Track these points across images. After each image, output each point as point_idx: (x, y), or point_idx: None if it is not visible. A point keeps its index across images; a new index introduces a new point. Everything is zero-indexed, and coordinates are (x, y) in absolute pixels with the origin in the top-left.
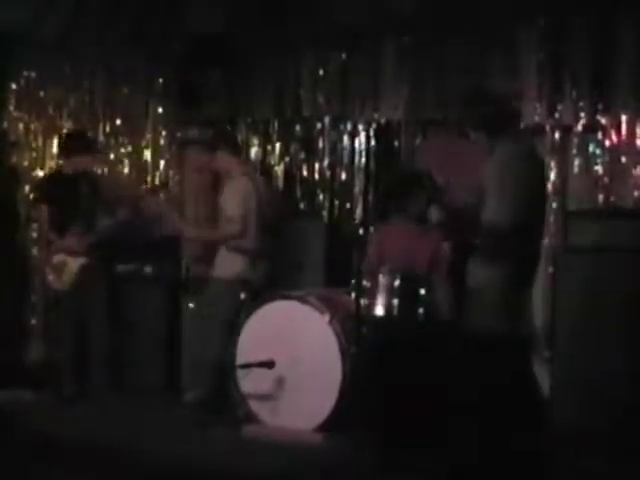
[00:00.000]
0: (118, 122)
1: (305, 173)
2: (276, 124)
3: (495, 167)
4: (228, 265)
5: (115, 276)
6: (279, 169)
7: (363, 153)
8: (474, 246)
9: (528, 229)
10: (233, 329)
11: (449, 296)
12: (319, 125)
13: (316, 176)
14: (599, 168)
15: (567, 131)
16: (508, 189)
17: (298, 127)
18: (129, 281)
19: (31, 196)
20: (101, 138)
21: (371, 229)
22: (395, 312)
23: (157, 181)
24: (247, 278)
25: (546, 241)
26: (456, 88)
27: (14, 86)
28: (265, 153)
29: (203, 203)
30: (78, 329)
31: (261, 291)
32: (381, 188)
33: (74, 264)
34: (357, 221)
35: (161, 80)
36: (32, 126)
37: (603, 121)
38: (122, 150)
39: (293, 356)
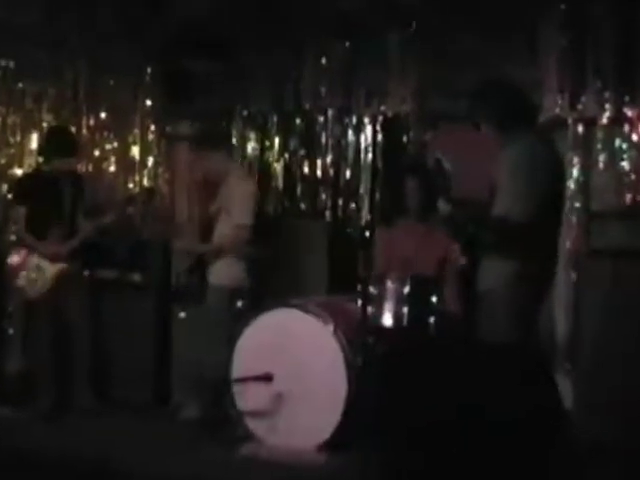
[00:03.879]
0: (103, 116)
1: (306, 170)
2: (275, 117)
3: (508, 162)
4: (227, 272)
5: (98, 283)
6: (278, 166)
7: (369, 149)
8: (486, 244)
9: (542, 228)
10: (229, 340)
11: (461, 302)
12: (321, 118)
13: (318, 174)
14: (625, 164)
15: (591, 124)
16: (521, 185)
17: (298, 120)
18: (114, 288)
19: (9, 196)
20: (84, 133)
21: (378, 231)
22: (405, 321)
23: (145, 179)
24: (244, 285)
25: (568, 244)
26: (469, 79)
27: None
28: (263, 149)
29: (195, 203)
30: (56, 340)
31: (258, 299)
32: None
33: (51, 270)
34: (363, 222)
35: (149, 70)
36: (9, 120)
37: (630, 113)
38: (107, 146)
39: (293, 369)
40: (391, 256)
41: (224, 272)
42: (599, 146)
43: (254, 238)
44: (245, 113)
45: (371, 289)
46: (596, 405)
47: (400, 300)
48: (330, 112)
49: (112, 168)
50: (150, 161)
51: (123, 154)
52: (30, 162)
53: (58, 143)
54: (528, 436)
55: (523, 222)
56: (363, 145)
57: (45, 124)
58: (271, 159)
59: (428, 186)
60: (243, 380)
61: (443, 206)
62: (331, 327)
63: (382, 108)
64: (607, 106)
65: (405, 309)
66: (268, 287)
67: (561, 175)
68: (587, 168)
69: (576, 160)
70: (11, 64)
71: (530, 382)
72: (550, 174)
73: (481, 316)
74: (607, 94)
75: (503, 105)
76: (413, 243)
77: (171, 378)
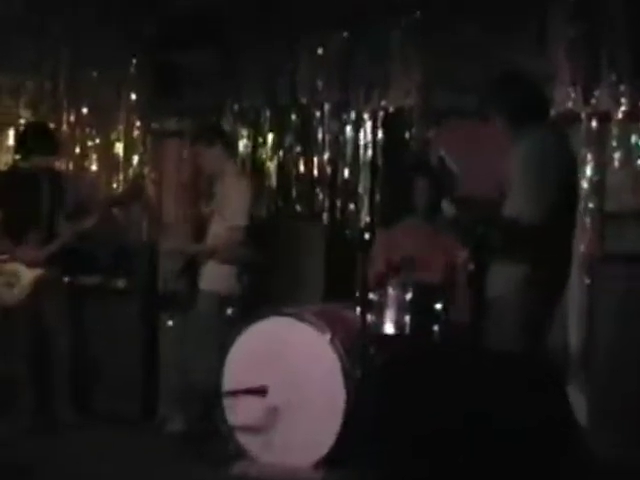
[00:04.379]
0: (84, 111)
1: (302, 169)
2: (268, 112)
3: (521, 158)
4: (219, 277)
5: (79, 289)
6: (272, 164)
7: (369, 146)
8: (495, 248)
9: (556, 230)
10: (220, 351)
11: (468, 309)
12: (318, 113)
13: (315, 173)
14: None
15: (605, 119)
16: (533, 183)
17: (294, 116)
18: (97, 295)
19: None
20: (65, 129)
21: (378, 233)
22: (407, 330)
23: (130, 179)
24: (236, 291)
25: (581, 248)
26: (477, 71)
27: None
28: (255, 146)
29: (184, 203)
30: (33, 349)
31: (251, 306)
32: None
33: (28, 275)
34: (362, 224)
35: (135, 62)
36: None
37: None
38: (89, 143)
39: (288, 381)
40: (393, 260)
41: (216, 277)
42: (614, 143)
43: (247, 241)
44: (236, 108)
45: (371, 296)
46: (611, 415)
47: (402, 307)
48: (327, 107)
49: (94, 167)
50: (135, 159)
51: (106, 151)
52: (7, 160)
53: (37, 140)
54: (537, 448)
55: (535, 223)
56: (362, 142)
57: (23, 120)
58: (264, 157)
59: (437, 184)
60: (235, 393)
61: (447, 207)
62: (328, 336)
63: (383, 102)
64: (622, 100)
65: (407, 317)
66: (262, 294)
67: (576, 173)
68: (601, 166)
69: (590, 157)
70: None
71: (540, 392)
72: (565, 171)
73: (489, 324)
74: (622, 87)
75: (517, 98)
76: (417, 246)
77: (158, 390)
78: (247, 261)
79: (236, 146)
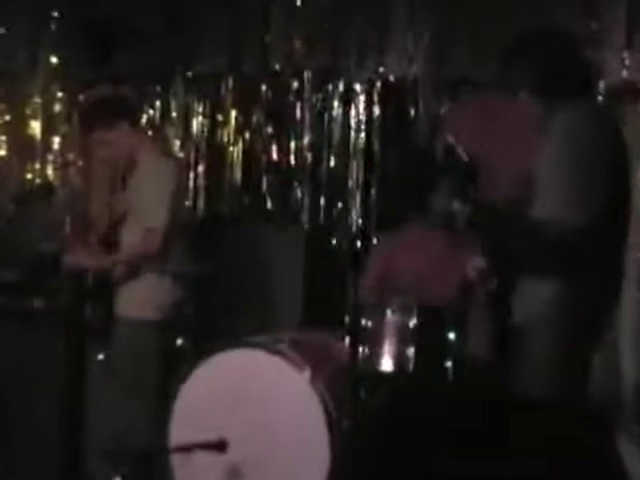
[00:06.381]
0: None
1: (275, 156)
2: (230, 82)
3: (555, 144)
4: (142, 298)
5: None
6: (235, 149)
7: (362, 126)
8: (524, 260)
9: (601, 236)
10: (164, 393)
11: (490, 339)
12: (296, 84)
13: (292, 161)
14: None
15: None
16: (572, 177)
17: (264, 87)
18: (3, 319)
19: None
20: None
21: (374, 240)
22: (410, 366)
23: (49, 167)
24: (180, 316)
25: (637, 256)
26: (501, 31)
27: None
28: (215, 126)
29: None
30: None
31: (207, 336)
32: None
33: None
34: (353, 229)
35: (56, 16)
36: None
37: None
38: None
39: (255, 433)
40: (393, 276)
41: (136, 299)
42: None
43: (196, 249)
44: (189, 75)
45: (364, 322)
46: None
47: (404, 337)
48: (308, 75)
49: (2, 152)
50: (56, 142)
51: (18, 132)
52: None
53: None
54: None
55: (574, 228)
56: (354, 121)
57: None
58: (225, 140)
59: (462, 179)
60: (185, 448)
61: (459, 208)
62: (308, 374)
63: (381, 70)
64: None
65: (411, 350)
66: (220, 319)
67: (629, 163)
68: None
69: None
70: None
71: (582, 449)
72: (613, 161)
73: (517, 359)
74: None
75: (550, 64)
76: (424, 258)
77: (84, 442)
78: (195, 275)
79: (188, 125)
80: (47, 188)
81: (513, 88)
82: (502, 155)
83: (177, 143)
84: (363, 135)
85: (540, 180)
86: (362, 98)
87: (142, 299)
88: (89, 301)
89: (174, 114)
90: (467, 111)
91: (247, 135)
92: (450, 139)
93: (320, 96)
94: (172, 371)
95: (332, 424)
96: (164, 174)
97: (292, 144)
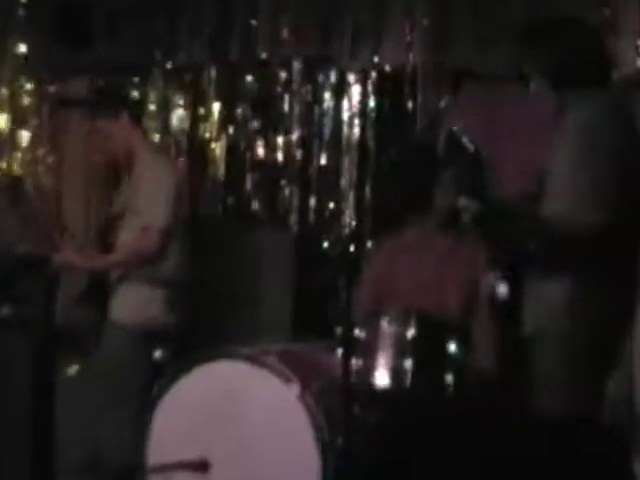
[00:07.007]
0: None
1: (261, 153)
2: (213, 73)
3: (569, 137)
4: (135, 304)
5: None
6: (218, 145)
7: (355, 120)
8: (535, 262)
9: (619, 237)
10: (143, 408)
11: (496, 350)
12: (284, 75)
13: (279, 158)
14: None
15: None
16: (587, 173)
17: (249, 78)
18: None
19: None
20: None
21: (369, 245)
22: (408, 381)
23: (17, 164)
24: (165, 325)
25: None
26: (505, 17)
27: None
28: (196, 120)
29: (96, 201)
30: None
31: (189, 346)
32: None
33: None
34: (346, 231)
35: (24, 1)
36: None
37: None
38: None
39: (239, 452)
40: (389, 283)
41: (132, 303)
42: None
43: (180, 251)
44: (169, 66)
45: (358, 332)
46: None
47: (401, 349)
48: (297, 65)
49: None
50: (25, 137)
51: None
52: None
53: None
54: None
55: (591, 228)
56: (347, 115)
57: None
58: (208, 135)
59: (466, 177)
60: (164, 468)
61: (467, 205)
62: (296, 389)
63: (376, 59)
64: None
65: (409, 363)
66: (203, 329)
67: None
68: None
69: None
70: None
71: (596, 472)
72: (632, 157)
73: (526, 373)
74: None
75: (565, 52)
76: (426, 263)
77: (54, 462)
78: (182, 282)
79: (168, 119)
80: (14, 185)
81: (525, 78)
82: (512, 150)
83: (155, 138)
84: (357, 129)
85: (553, 177)
86: (356, 89)
87: (132, 304)
88: (82, 303)
89: (152, 107)
90: (474, 100)
91: (231, 130)
92: (455, 127)
93: (310, 87)
94: (156, 382)
95: (323, 444)
96: (165, 171)
97: (280, 139)
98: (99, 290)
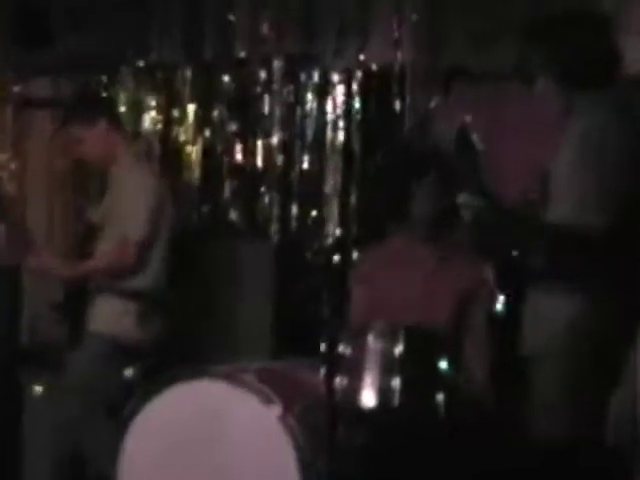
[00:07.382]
0: None
1: (239, 157)
2: (188, 72)
3: (575, 140)
4: (108, 316)
5: None
6: (194, 149)
7: (340, 122)
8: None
9: (627, 246)
10: (115, 428)
11: (491, 368)
12: (263, 74)
13: (258, 163)
14: None
15: None
16: (594, 177)
17: (227, 78)
18: None
19: None
20: None
21: (354, 255)
22: (396, 400)
23: None
24: (139, 341)
25: None
26: (500, 13)
27: None
28: (169, 122)
29: (61, 207)
30: None
31: (164, 364)
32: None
33: None
34: (330, 241)
35: None
36: None
37: None
38: None
39: (218, 475)
40: (376, 296)
41: (106, 315)
42: None
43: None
44: (140, 64)
45: (342, 349)
46: None
47: (388, 367)
48: (278, 64)
49: None
50: None
51: None
52: None
53: None
54: None
55: (596, 236)
56: (330, 117)
57: None
58: (183, 139)
59: (449, 184)
60: None
61: (468, 201)
62: (277, 410)
63: (362, 57)
64: None
65: (396, 381)
66: (179, 344)
67: None
68: None
69: None
70: None
71: None
72: (636, 163)
73: (524, 392)
74: None
75: (571, 50)
76: (415, 274)
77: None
78: (153, 294)
79: (139, 121)
80: None
81: (527, 77)
82: (515, 153)
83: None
84: (341, 132)
85: (557, 179)
86: (340, 89)
87: (110, 315)
88: (59, 313)
89: (122, 108)
90: (468, 100)
91: (207, 133)
92: (465, 122)
93: (292, 87)
94: (124, 404)
95: (305, 467)
96: (146, 181)
97: (259, 143)
98: (77, 300)
